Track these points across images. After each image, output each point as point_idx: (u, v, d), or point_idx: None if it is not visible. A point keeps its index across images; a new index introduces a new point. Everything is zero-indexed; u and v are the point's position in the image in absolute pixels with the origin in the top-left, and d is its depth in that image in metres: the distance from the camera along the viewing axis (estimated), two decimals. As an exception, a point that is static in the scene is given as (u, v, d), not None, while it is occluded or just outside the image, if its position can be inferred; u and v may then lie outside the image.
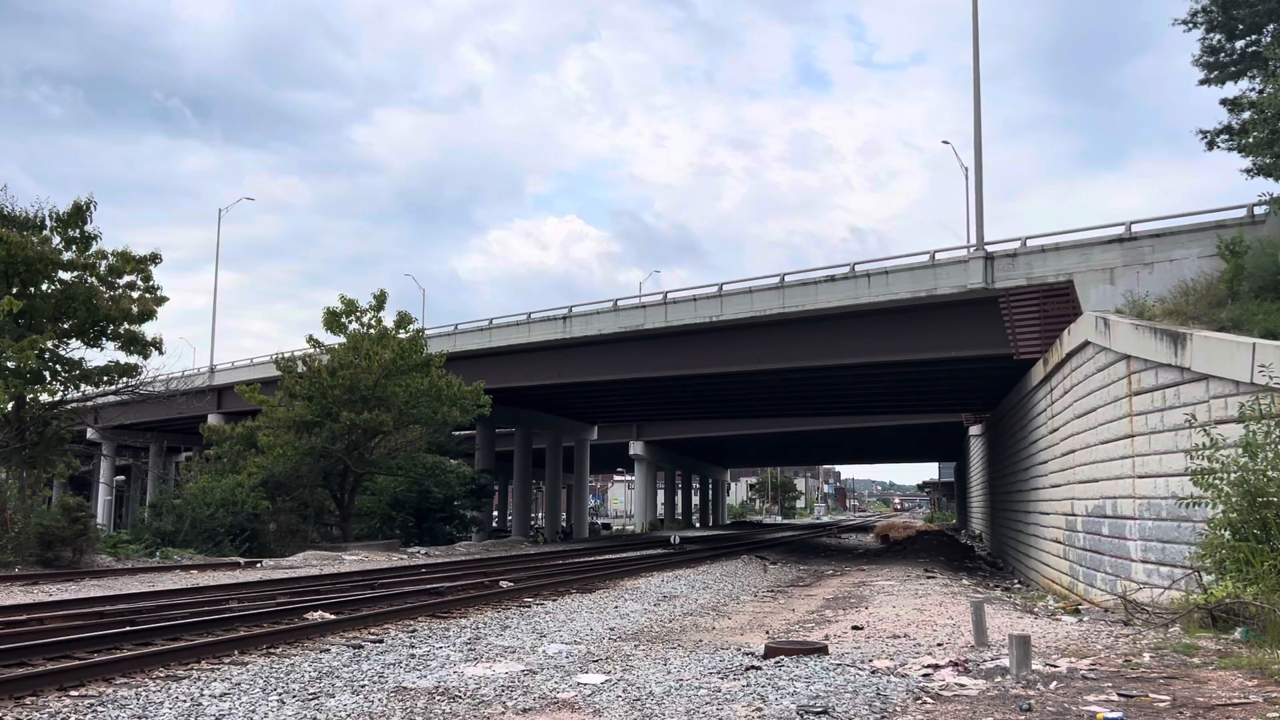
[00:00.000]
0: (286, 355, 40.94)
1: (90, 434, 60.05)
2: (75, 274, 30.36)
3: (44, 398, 30.51)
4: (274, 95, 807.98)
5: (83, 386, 31.51)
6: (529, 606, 18.02)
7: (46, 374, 29.96)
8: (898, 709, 7.88)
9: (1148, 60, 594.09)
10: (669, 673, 10.11)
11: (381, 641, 13.13)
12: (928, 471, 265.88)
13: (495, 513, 69.17)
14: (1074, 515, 21.17)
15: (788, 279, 31.15)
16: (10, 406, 28.91)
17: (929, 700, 8.14)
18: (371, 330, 38.82)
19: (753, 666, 10.18)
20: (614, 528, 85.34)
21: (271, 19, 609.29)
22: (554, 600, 19.35)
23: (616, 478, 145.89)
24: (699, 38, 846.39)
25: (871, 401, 48.36)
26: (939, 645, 11.89)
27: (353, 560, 30.04)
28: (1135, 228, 23.59)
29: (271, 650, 12.22)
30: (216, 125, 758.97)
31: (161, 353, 31.95)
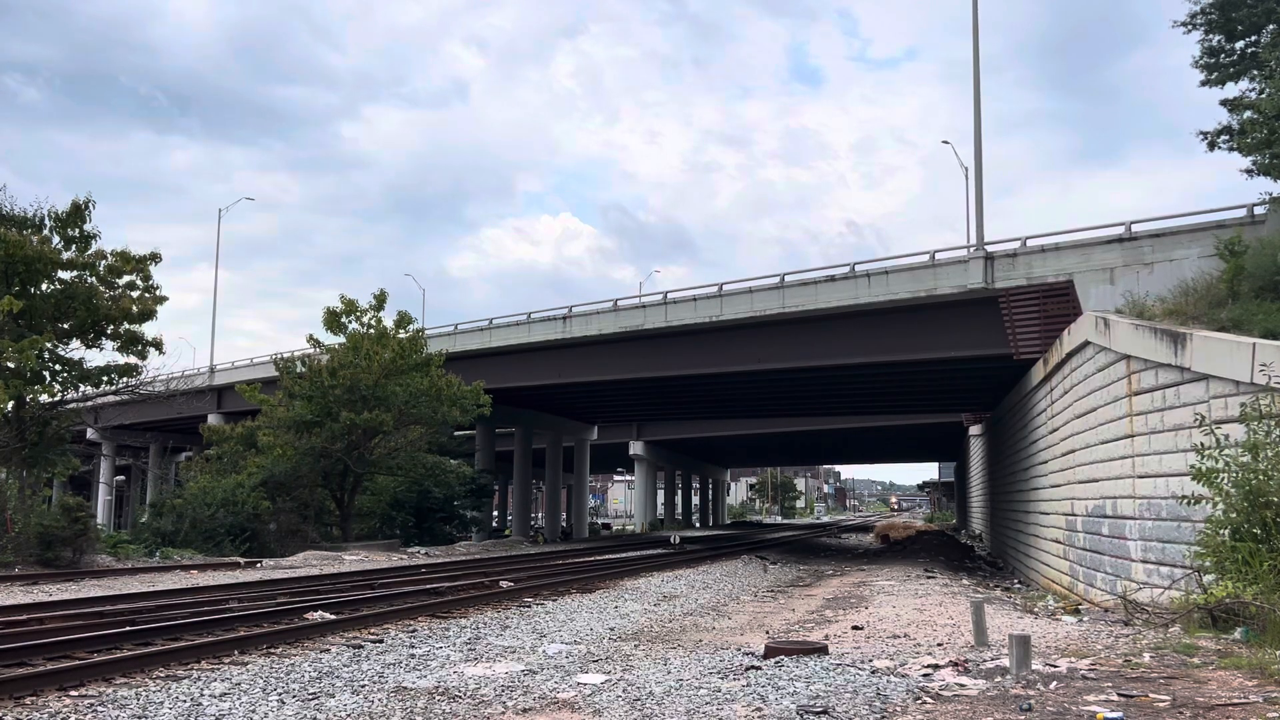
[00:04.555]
0: (286, 355, 40.97)
1: (90, 434, 60.07)
2: (75, 274, 30.36)
3: (44, 398, 30.49)
4: (260, 91, 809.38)
5: (83, 386, 31.50)
6: (529, 606, 18.02)
7: (46, 374, 29.96)
8: (898, 709, 7.87)
9: (1143, 54, 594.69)
10: (669, 673, 10.11)
11: (381, 641, 13.13)
12: (928, 471, 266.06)
13: (495, 513, 69.15)
14: (1074, 515, 21.17)
15: (788, 279, 31.16)
16: (10, 406, 28.91)
17: (929, 700, 8.14)
18: (371, 330, 38.83)
19: (753, 666, 10.18)
20: (614, 528, 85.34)
21: (254, 13, 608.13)
22: (554, 600, 19.34)
23: (616, 478, 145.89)
24: (689, 32, 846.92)
25: (871, 401, 48.37)
26: (939, 645, 11.89)
27: (353, 560, 30.04)
28: (1135, 228, 23.60)
29: (271, 650, 12.22)
30: (203, 121, 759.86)
31: (161, 353, 31.98)
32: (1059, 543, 23.11)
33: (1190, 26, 24.63)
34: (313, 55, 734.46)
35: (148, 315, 31.26)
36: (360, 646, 12.65)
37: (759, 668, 10.05)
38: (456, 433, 47.28)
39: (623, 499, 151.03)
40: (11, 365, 27.94)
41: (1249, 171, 23.44)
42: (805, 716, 7.76)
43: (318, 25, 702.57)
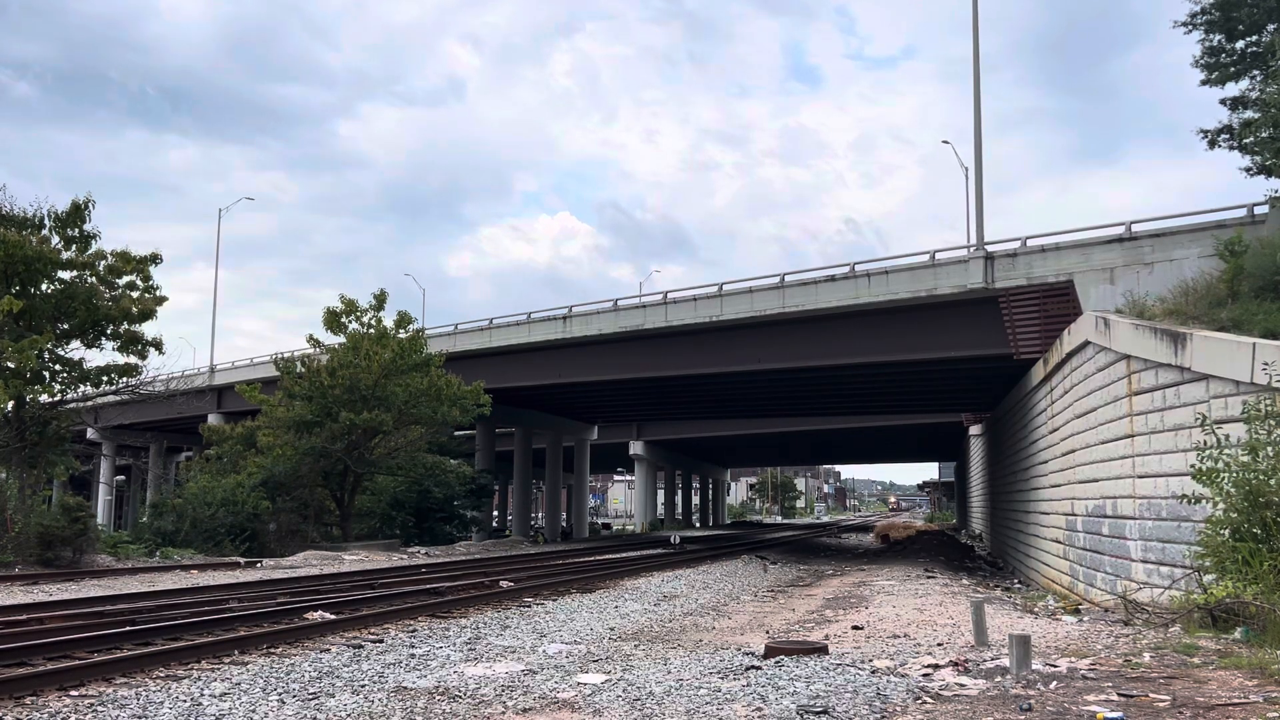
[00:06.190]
0: (286, 355, 40.97)
1: (90, 434, 60.07)
2: (75, 274, 30.36)
3: (44, 398, 30.51)
4: (255, 89, 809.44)
5: (83, 386, 31.51)
6: (529, 606, 18.02)
7: (46, 374, 29.96)
8: (898, 709, 7.87)
9: (1141, 52, 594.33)
10: (669, 672, 10.11)
11: (381, 641, 13.13)
12: (928, 471, 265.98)
13: (495, 513, 69.15)
14: (1074, 515, 21.17)
15: (788, 279, 31.16)
16: (10, 406, 28.92)
17: (929, 700, 8.14)
18: (371, 330, 38.83)
19: (753, 666, 10.18)
20: (614, 528, 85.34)
21: (249, 10, 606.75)
22: (554, 600, 19.35)
23: (616, 478, 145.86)
24: (686, 30, 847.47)
25: (871, 401, 48.37)
26: (939, 645, 11.88)
27: (353, 560, 30.04)
28: (1135, 227, 23.60)
29: (272, 650, 12.22)
30: (198, 120, 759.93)
31: (161, 353, 32.01)
32: (1059, 543, 23.11)
33: (1190, 26, 24.65)
34: (308, 53, 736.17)
35: (148, 315, 31.28)
36: (360, 646, 12.65)
37: (759, 668, 10.05)
38: (456, 433, 47.27)
39: (623, 499, 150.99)
40: (11, 365, 27.95)
41: (1249, 170, 23.47)
42: (805, 716, 7.76)
43: (312, 23, 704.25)
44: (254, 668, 10.86)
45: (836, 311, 30.24)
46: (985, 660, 10.03)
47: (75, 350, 31.06)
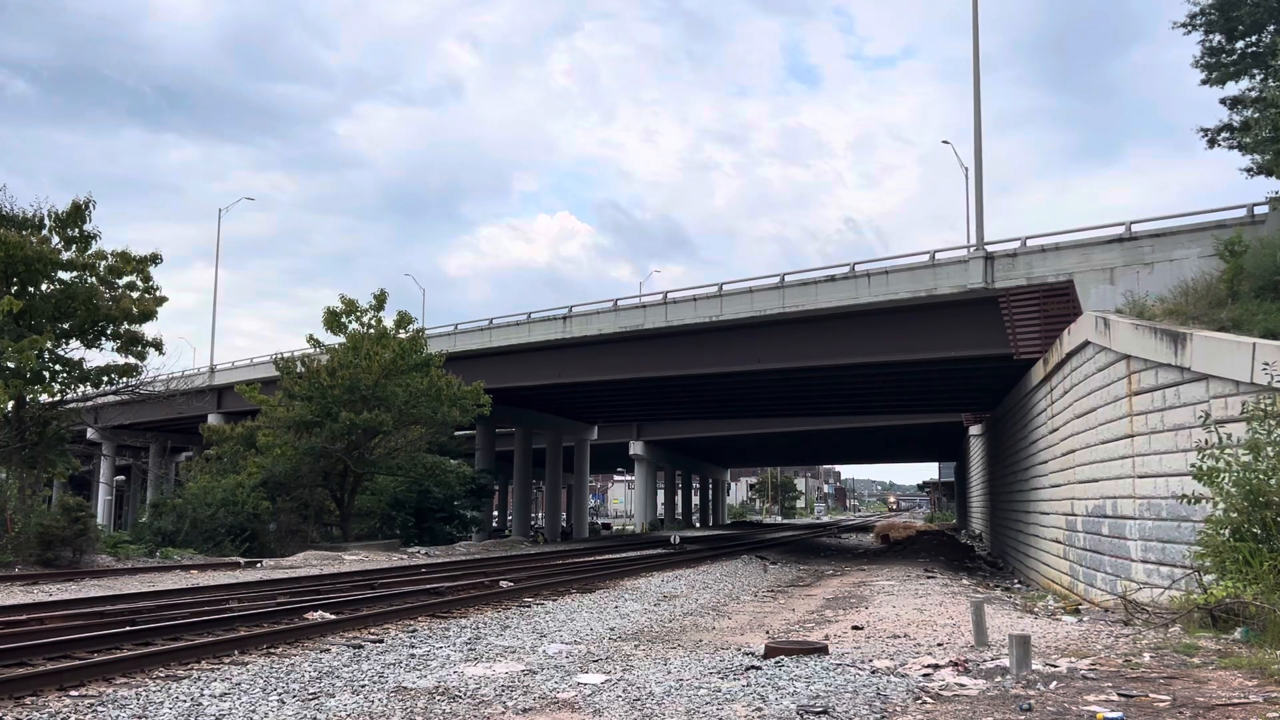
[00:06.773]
0: (286, 355, 40.99)
1: (90, 434, 60.06)
2: (75, 274, 30.38)
3: (44, 398, 30.52)
4: (253, 88, 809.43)
5: (82, 386, 31.52)
6: (529, 606, 18.02)
7: (46, 374, 29.97)
8: (898, 709, 7.87)
9: (1141, 51, 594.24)
10: (669, 673, 10.11)
11: (381, 641, 13.13)
12: (928, 471, 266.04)
13: (495, 513, 69.16)
14: (1074, 515, 21.17)
15: (788, 279, 31.16)
16: (10, 406, 28.93)
17: (929, 700, 8.14)
18: (371, 330, 38.84)
19: (753, 666, 10.18)
20: (614, 528, 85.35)
21: (246, 9, 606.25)
22: (554, 600, 19.35)
23: (616, 478, 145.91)
24: (685, 30, 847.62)
25: (871, 401, 48.36)
26: (939, 645, 11.89)
27: (353, 560, 30.04)
28: (1135, 228, 23.60)
29: (271, 650, 12.22)
30: (197, 119, 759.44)
31: (161, 353, 32.07)
32: (1059, 543, 23.11)
33: (1190, 27, 24.64)
34: (306, 53, 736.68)
35: (147, 315, 31.30)
36: (360, 646, 12.65)
37: (759, 668, 10.05)
38: (456, 433, 47.26)
39: (623, 499, 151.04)
40: (11, 365, 27.96)
41: (1249, 171, 23.49)
42: (805, 716, 7.76)
43: (311, 23, 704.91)
44: (254, 668, 10.86)
45: (836, 311, 30.24)
46: (985, 660, 10.03)
47: (75, 350, 31.13)
